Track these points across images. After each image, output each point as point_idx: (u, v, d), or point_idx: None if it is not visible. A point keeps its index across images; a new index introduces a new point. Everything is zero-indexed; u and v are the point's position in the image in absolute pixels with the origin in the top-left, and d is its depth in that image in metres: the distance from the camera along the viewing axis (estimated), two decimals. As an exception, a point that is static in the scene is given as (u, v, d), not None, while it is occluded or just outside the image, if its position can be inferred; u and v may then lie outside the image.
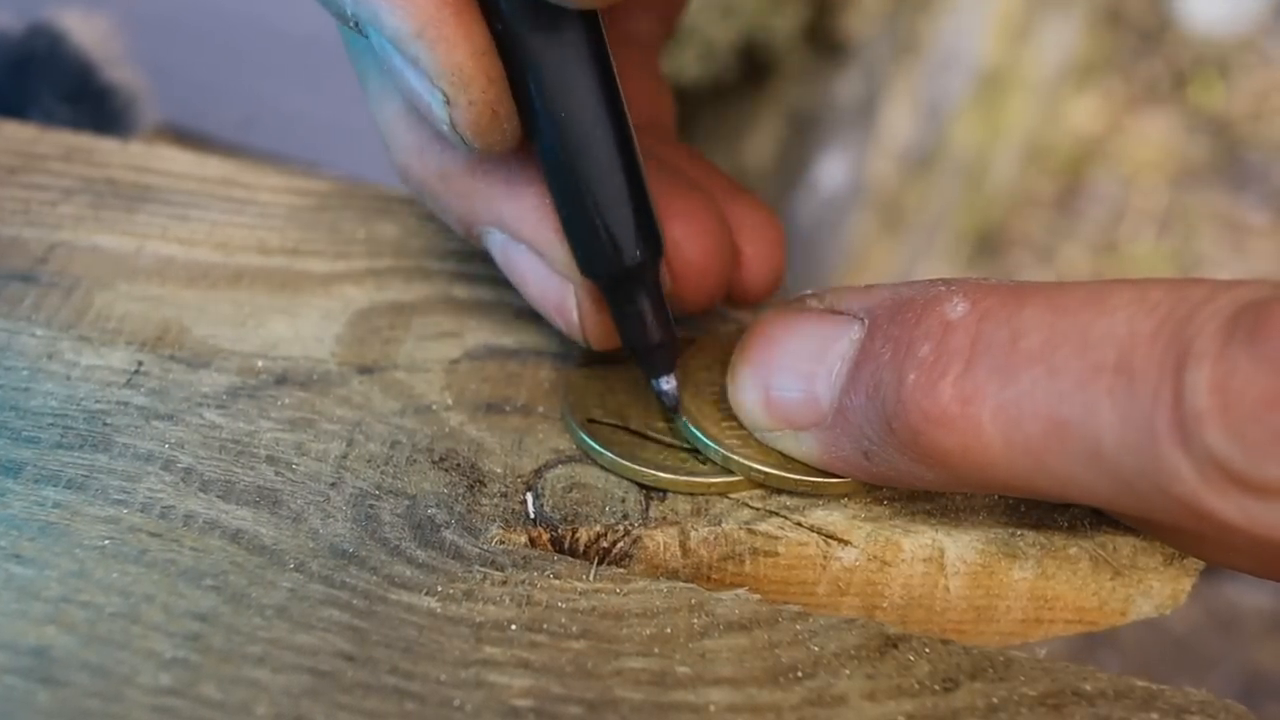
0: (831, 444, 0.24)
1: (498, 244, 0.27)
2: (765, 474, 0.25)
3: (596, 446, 0.26)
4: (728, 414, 0.26)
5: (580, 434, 0.26)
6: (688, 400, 0.27)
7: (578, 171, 0.24)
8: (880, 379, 0.23)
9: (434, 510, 0.25)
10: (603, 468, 0.26)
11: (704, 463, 0.26)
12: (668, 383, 0.27)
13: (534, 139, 0.25)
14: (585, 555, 0.25)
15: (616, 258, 0.25)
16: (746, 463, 0.25)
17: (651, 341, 0.26)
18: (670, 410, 0.27)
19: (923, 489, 0.24)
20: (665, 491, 0.26)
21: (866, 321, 0.24)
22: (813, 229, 1.02)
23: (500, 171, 0.26)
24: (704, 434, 0.26)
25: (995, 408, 0.21)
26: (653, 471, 0.26)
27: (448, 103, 0.24)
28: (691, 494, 0.26)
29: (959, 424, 0.22)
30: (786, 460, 0.25)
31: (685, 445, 0.26)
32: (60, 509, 0.24)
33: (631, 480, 0.26)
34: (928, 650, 0.23)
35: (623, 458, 0.26)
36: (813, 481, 0.25)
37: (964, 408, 0.22)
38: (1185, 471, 0.19)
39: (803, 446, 0.25)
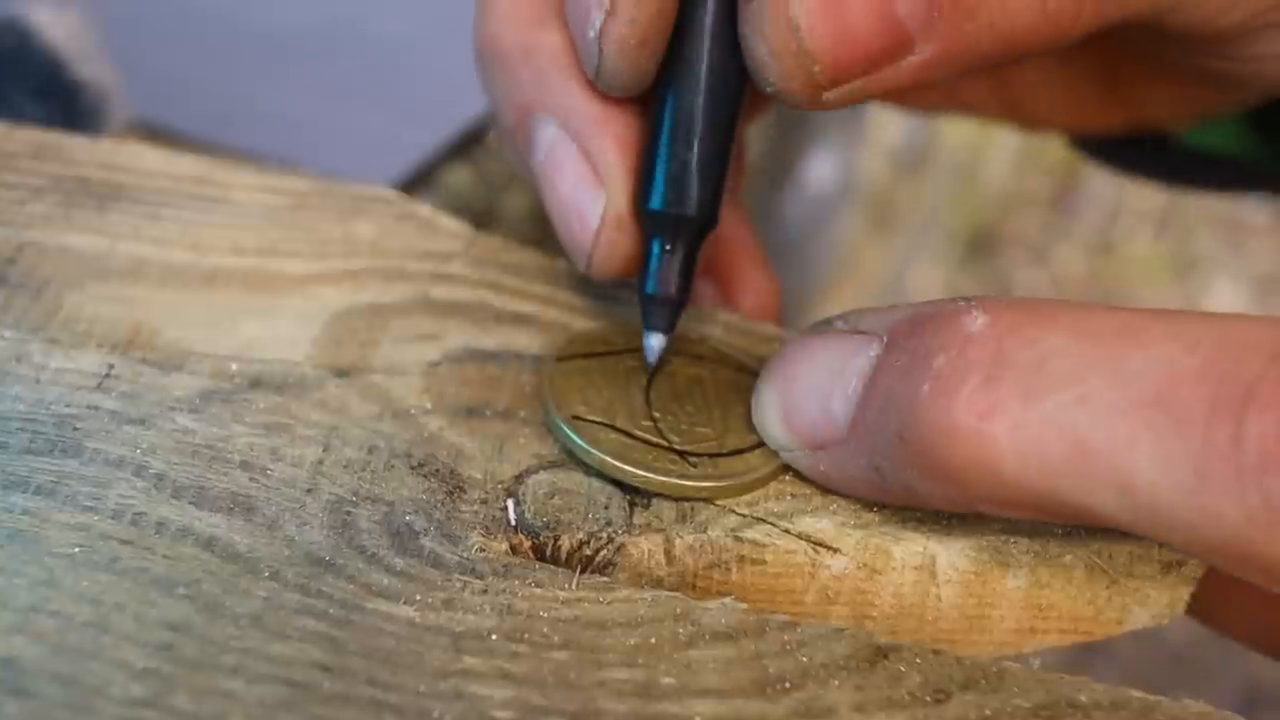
0: (845, 461, 0.24)
1: (547, 138, 0.27)
2: (645, 478, 0.25)
3: (584, 445, 0.25)
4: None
5: (566, 431, 0.26)
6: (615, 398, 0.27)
7: (694, 112, 0.26)
8: (893, 391, 0.22)
9: (412, 517, 0.24)
10: (587, 467, 0.26)
11: (694, 465, 0.25)
12: (657, 340, 0.27)
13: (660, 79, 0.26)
14: (568, 563, 0.24)
15: (686, 200, 0.26)
16: (622, 465, 0.25)
17: (667, 292, 0.27)
18: (646, 365, 0.27)
19: (934, 508, 0.24)
20: (650, 498, 0.25)
21: (885, 338, 0.24)
22: (802, 229, 1.01)
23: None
24: (577, 431, 0.26)
25: (1014, 425, 0.21)
26: (643, 473, 0.25)
27: (608, 11, 0.24)
28: (680, 498, 0.25)
29: (973, 438, 0.21)
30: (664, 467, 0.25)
31: (672, 446, 0.26)
32: (29, 516, 0.23)
33: (619, 481, 0.25)
34: (919, 660, 0.22)
35: (612, 458, 0.25)
36: (696, 487, 0.25)
37: (980, 422, 0.21)
38: (1235, 514, 0.19)
39: (819, 465, 0.25)
